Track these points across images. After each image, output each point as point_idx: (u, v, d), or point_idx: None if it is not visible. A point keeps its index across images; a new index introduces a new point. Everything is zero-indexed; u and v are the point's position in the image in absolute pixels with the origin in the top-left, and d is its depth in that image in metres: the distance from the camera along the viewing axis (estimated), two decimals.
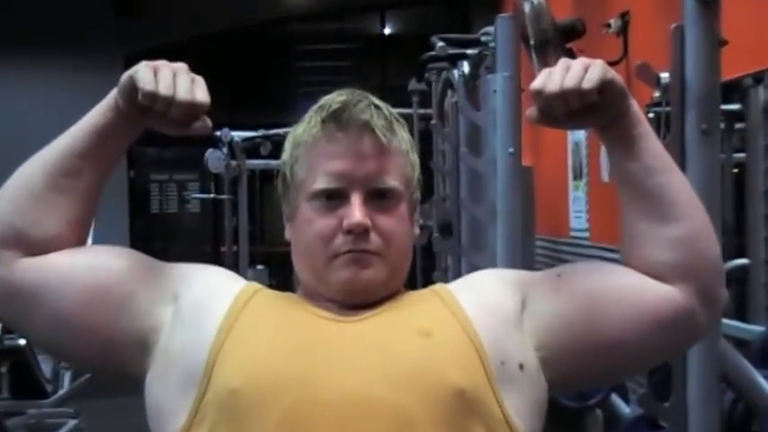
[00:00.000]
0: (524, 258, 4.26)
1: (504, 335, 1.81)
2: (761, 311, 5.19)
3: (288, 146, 1.91)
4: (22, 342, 7.17)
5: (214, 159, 10.11)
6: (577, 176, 7.33)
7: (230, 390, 1.71)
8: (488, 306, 1.84)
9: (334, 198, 1.80)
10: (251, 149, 10.23)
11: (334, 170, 1.79)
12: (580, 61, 1.74)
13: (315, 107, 1.88)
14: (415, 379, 1.72)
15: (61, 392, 8.20)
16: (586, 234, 7.22)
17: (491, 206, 4.06)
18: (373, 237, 1.78)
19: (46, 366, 7.88)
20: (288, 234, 1.92)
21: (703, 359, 3.10)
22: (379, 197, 1.81)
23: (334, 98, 1.85)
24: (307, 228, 1.82)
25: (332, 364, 1.73)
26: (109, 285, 1.82)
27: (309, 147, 1.84)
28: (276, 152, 8.44)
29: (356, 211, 1.77)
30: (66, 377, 8.39)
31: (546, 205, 7.51)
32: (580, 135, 7.22)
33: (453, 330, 1.79)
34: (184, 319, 1.82)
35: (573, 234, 7.45)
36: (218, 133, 10.02)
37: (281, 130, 10.19)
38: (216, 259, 12.53)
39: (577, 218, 7.36)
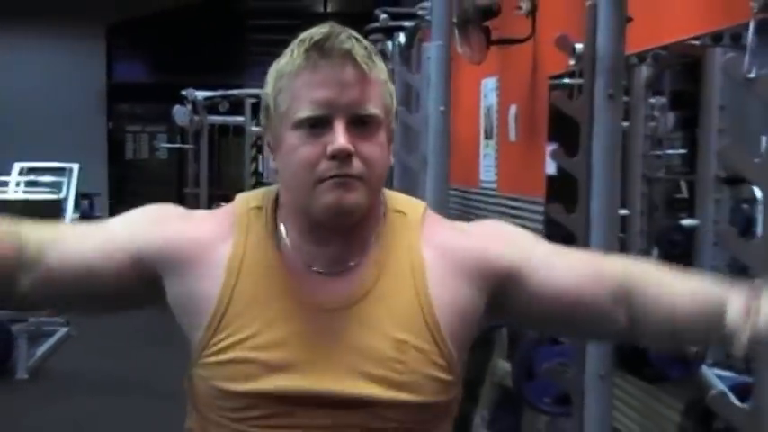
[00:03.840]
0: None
1: (464, 324, 1.68)
2: (636, 254, 5.29)
3: (270, 78, 1.68)
4: None
5: (180, 114, 10.10)
6: (488, 136, 7.31)
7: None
8: (458, 306, 1.66)
9: (317, 126, 1.60)
10: (211, 107, 10.24)
11: (318, 98, 1.59)
12: None
13: (296, 41, 1.65)
14: (382, 388, 1.61)
15: None
16: (494, 185, 7.22)
17: (422, 156, 4.05)
18: (356, 162, 1.59)
19: None
20: (272, 164, 1.71)
21: None
22: (360, 124, 1.61)
23: (317, 30, 1.64)
24: (291, 156, 1.62)
25: (312, 359, 1.61)
26: (103, 281, 1.66)
27: (293, 77, 1.62)
28: (233, 110, 8.29)
29: (340, 137, 1.58)
30: None
31: (460, 160, 7.49)
32: (491, 101, 7.20)
33: (425, 342, 1.63)
34: (179, 274, 1.67)
35: (483, 185, 7.44)
36: (183, 92, 9.97)
37: (236, 91, 10.20)
38: (180, 199, 12.49)
39: (487, 171, 7.35)
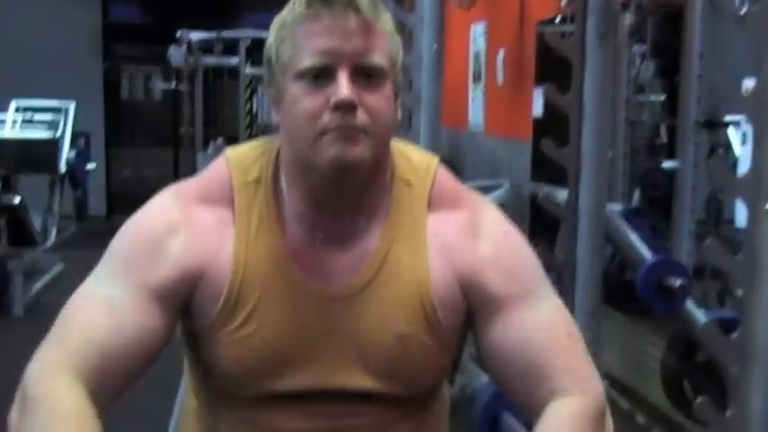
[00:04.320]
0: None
1: (458, 318, 1.60)
2: (619, 195, 5.35)
3: (272, 29, 1.57)
4: (17, 200, 7.12)
5: (175, 55, 10.04)
6: (477, 80, 7.30)
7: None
8: (452, 299, 1.57)
9: (320, 77, 1.48)
10: (206, 48, 10.15)
11: (321, 47, 1.48)
12: None
13: None
14: (387, 381, 1.58)
15: (49, 242, 8.19)
16: (482, 127, 7.23)
17: (416, 94, 4.02)
18: (360, 114, 1.47)
19: (36, 221, 7.92)
20: (275, 118, 1.58)
21: (592, 221, 3.10)
22: (365, 75, 1.49)
23: None
24: (294, 108, 1.51)
25: (316, 353, 1.57)
26: (160, 340, 1.54)
27: (295, 26, 1.51)
28: (227, 52, 8.20)
29: (343, 88, 1.46)
30: (53, 231, 8.36)
31: (450, 103, 7.48)
32: (480, 47, 7.17)
33: (428, 339, 1.58)
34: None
35: (472, 127, 7.45)
36: (178, 33, 9.89)
37: (231, 33, 10.12)
38: (175, 139, 12.44)
39: (475, 114, 7.36)
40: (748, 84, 2.33)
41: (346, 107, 1.46)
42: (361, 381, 1.57)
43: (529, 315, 1.56)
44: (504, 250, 1.61)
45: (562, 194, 3.29)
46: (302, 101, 1.49)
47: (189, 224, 1.57)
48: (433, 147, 3.83)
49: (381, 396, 1.58)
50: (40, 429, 1.38)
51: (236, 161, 1.61)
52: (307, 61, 1.48)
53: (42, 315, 7.35)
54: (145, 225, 1.59)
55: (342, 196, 1.55)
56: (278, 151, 1.61)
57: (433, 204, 1.61)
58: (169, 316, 1.54)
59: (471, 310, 1.59)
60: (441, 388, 1.72)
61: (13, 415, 1.44)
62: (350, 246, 1.58)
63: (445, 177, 1.65)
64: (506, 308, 1.56)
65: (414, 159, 1.64)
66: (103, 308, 1.52)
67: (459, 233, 1.60)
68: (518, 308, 1.56)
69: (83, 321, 1.52)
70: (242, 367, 1.57)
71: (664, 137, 6.84)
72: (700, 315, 3.15)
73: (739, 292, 2.27)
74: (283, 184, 1.59)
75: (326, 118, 1.47)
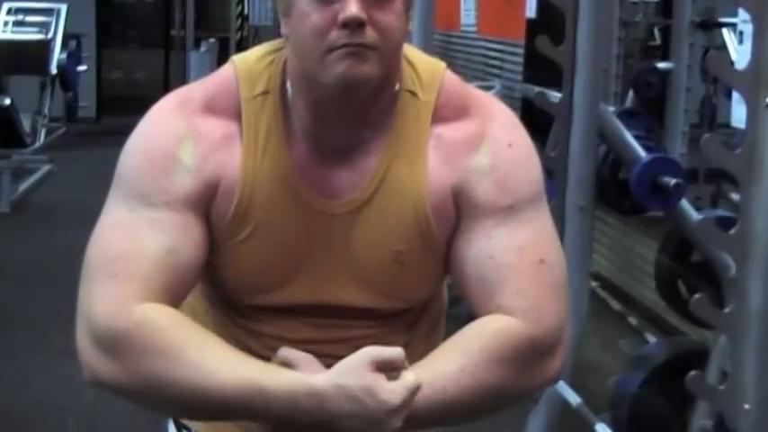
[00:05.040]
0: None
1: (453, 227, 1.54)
2: (612, 96, 5.32)
3: None
4: (7, 102, 7.09)
5: None
6: None
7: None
8: (449, 214, 1.52)
9: None
10: None
11: None
12: None
13: None
14: (384, 299, 1.55)
15: (38, 144, 8.26)
16: (474, 28, 7.14)
17: None
18: (369, 31, 1.41)
19: (26, 122, 7.97)
20: (283, 30, 1.51)
21: (584, 118, 3.04)
22: None
23: None
24: (301, 23, 1.44)
25: (312, 268, 1.54)
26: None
27: None
28: None
29: (352, 4, 1.39)
30: (43, 132, 8.38)
31: (442, 4, 7.38)
32: None
33: (423, 255, 1.54)
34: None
35: (463, 28, 7.36)
36: None
37: None
38: (166, 41, 12.30)
39: (467, 15, 7.26)
40: None
41: (354, 24, 1.39)
42: (358, 298, 1.54)
43: (502, 230, 1.51)
44: (503, 160, 1.54)
45: (554, 97, 3.21)
46: (310, 16, 1.42)
47: (195, 134, 1.51)
48: (425, 48, 3.75)
49: (379, 310, 1.56)
50: (164, 349, 1.38)
51: (245, 71, 1.54)
52: None
53: (28, 212, 7.58)
54: (152, 142, 1.52)
55: (348, 112, 1.50)
56: (285, 61, 1.53)
57: (438, 115, 1.55)
58: (205, 223, 1.51)
59: (458, 217, 1.53)
60: (438, 293, 1.68)
61: (94, 359, 1.42)
62: (353, 161, 1.53)
63: (453, 85, 1.58)
64: (484, 217, 1.51)
65: (419, 67, 1.57)
66: (149, 230, 1.47)
67: (461, 145, 1.54)
68: (495, 221, 1.51)
69: (134, 248, 1.46)
70: (244, 279, 1.56)
71: (657, 38, 6.78)
72: (695, 214, 3.10)
73: (734, 196, 2.21)
74: (290, 96, 1.53)
75: (334, 35, 1.41)
